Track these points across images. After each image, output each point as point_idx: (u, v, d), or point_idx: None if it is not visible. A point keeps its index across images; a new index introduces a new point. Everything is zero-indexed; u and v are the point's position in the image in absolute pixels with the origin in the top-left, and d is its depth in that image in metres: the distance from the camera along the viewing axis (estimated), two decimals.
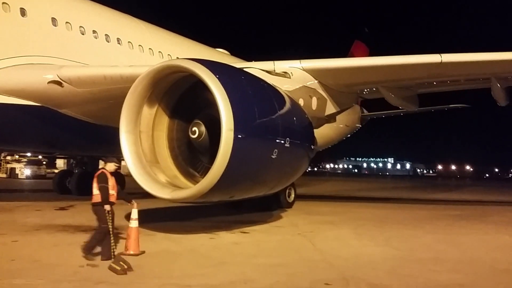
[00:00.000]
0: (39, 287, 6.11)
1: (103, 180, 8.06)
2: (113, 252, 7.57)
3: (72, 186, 21.75)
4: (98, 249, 7.97)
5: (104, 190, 7.96)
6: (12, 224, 11.60)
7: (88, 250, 7.94)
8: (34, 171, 38.06)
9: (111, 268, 6.97)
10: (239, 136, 9.55)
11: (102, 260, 7.66)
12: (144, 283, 6.53)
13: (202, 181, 9.91)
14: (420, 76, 16.88)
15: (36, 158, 37.43)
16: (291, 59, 15.72)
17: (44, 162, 38.59)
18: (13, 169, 38.87)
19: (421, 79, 17.34)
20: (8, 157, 39.24)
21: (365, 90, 20.23)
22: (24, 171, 38.06)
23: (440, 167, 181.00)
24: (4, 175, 38.86)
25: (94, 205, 8.04)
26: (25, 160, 38.66)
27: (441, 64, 14.87)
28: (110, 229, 7.76)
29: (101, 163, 25.80)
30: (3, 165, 40.06)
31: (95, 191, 8.03)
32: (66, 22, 15.38)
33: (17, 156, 39.11)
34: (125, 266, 6.98)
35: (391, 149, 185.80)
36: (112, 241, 7.66)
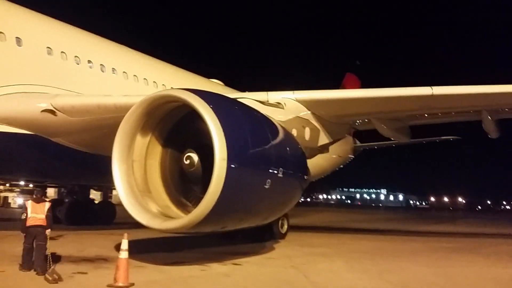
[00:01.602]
0: None
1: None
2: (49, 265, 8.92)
3: (62, 215, 21.39)
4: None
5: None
6: (0, 254, 11.36)
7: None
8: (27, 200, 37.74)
9: (45, 279, 8.41)
10: (232, 165, 9.54)
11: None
12: None
13: (194, 211, 9.81)
14: (411, 108, 17.07)
15: (29, 187, 37.20)
16: (284, 90, 15.89)
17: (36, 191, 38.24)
18: (6, 198, 38.50)
19: (412, 111, 17.53)
20: (1, 187, 39.02)
21: (358, 121, 20.38)
22: (17, 200, 37.71)
23: (432, 198, 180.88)
24: None
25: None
26: (18, 189, 38.38)
27: (432, 96, 15.07)
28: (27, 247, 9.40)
29: (92, 192, 25.59)
30: None
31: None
32: (62, 52, 15.51)
33: (7, 185, 38.80)
34: (56, 277, 8.35)
35: (384, 180, 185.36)
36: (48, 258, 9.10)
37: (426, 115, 18.05)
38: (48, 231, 9.51)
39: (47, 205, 9.78)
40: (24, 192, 38.31)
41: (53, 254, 9.59)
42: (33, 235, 9.42)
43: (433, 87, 15.01)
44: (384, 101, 16.28)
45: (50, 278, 8.35)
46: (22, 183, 34.74)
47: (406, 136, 19.27)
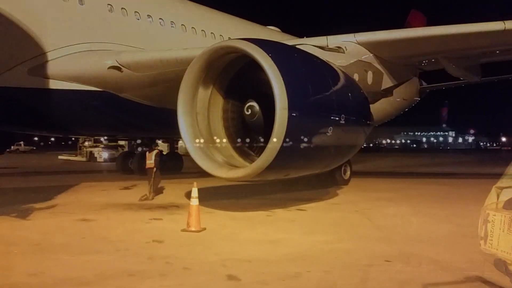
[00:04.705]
0: (109, 263, 6.51)
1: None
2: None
3: (134, 167, 22.59)
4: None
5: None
6: (81, 204, 12.32)
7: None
8: (112, 154, 40.48)
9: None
10: (293, 114, 9.55)
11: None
12: (206, 258, 6.79)
13: (258, 160, 10.04)
14: (483, 45, 16.03)
15: (113, 143, 40.10)
16: (345, 33, 15.39)
17: (119, 146, 40.92)
18: (92, 153, 41.56)
19: (483, 48, 16.48)
20: (86, 143, 42.10)
21: (424, 61, 19.50)
22: (102, 155, 40.70)
23: (503, 139, 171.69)
24: (84, 159, 41.54)
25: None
26: (102, 145, 41.45)
27: (504, 31, 14.05)
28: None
29: (160, 144, 26.74)
30: (83, 149, 42.79)
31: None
32: (122, 8, 15.80)
33: (88, 141, 41.85)
34: (145, 198, 13.05)
35: (452, 122, 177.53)
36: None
37: (498, 51, 16.92)
38: (154, 170, 13.42)
39: (154, 153, 13.69)
40: (108, 147, 41.28)
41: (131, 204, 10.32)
42: (148, 174, 13.54)
43: (506, 22, 13.95)
44: (452, 39, 15.35)
45: (141, 197, 13.08)
46: (104, 138, 37.43)
47: (476, 75, 18.26)
